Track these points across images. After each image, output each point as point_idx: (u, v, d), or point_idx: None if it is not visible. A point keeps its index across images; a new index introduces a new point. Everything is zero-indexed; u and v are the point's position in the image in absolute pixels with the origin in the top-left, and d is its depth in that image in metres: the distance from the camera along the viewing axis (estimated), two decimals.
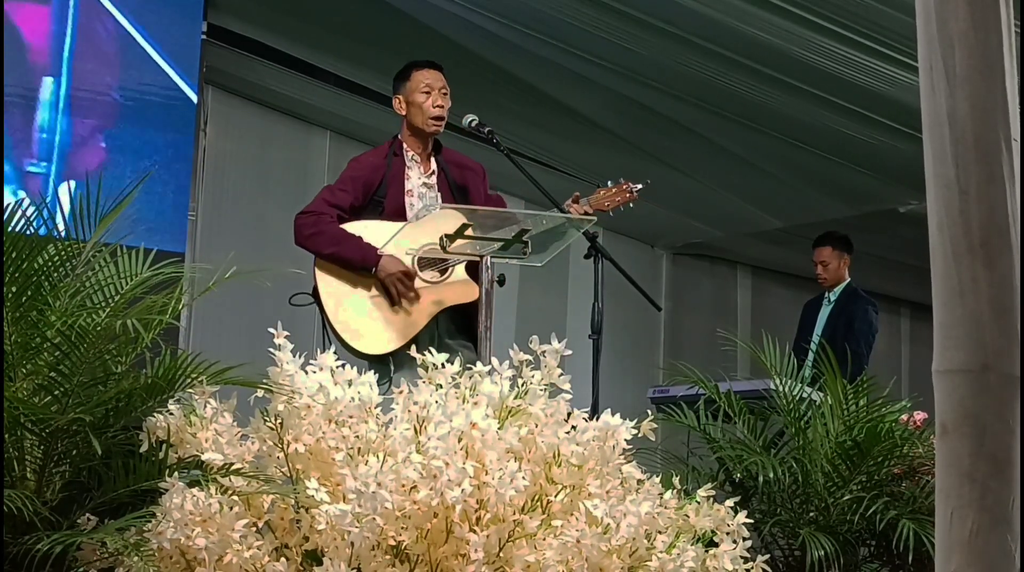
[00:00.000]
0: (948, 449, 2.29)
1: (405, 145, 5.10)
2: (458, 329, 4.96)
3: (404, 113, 5.10)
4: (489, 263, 4.58)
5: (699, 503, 3.77)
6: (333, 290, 4.89)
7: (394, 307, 4.87)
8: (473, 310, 4.67)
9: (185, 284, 3.88)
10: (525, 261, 4.71)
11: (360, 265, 4.86)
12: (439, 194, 5.05)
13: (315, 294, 4.92)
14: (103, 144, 6.89)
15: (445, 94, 5.07)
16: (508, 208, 5.16)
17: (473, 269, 4.77)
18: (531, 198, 6.82)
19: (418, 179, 5.07)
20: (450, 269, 4.90)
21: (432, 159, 5.12)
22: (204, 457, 3.48)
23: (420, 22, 6.89)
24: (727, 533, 3.72)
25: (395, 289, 4.85)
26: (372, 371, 4.42)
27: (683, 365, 5.21)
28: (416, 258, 4.87)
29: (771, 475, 4.62)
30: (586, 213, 5.05)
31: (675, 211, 8.82)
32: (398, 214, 4.96)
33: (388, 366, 4.78)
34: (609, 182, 5.19)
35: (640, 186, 5.19)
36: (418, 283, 4.88)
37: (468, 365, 3.61)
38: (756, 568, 3.74)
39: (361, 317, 4.86)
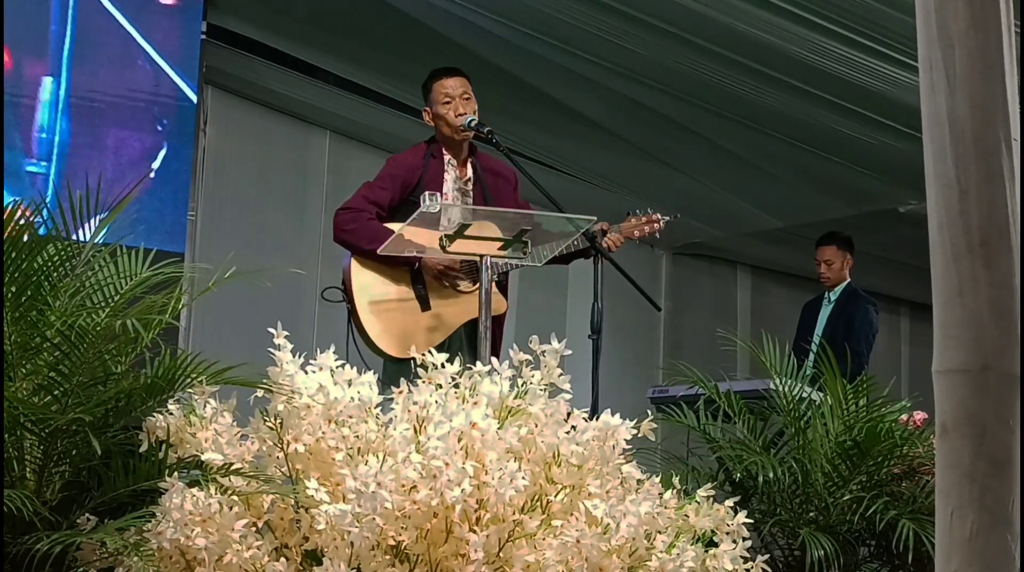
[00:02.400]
0: (948, 449, 2.29)
1: (443, 148, 5.11)
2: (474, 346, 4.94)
3: (433, 124, 5.10)
4: (489, 263, 4.58)
5: (699, 503, 3.77)
6: (366, 289, 4.89)
7: (424, 313, 4.89)
8: (496, 326, 4.67)
9: (185, 284, 3.88)
10: (525, 261, 4.71)
11: (403, 260, 4.84)
12: (472, 200, 5.04)
13: (347, 290, 4.92)
14: (103, 144, 6.89)
15: (467, 99, 5.05)
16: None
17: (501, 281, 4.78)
18: (531, 198, 6.80)
19: (454, 183, 5.08)
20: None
21: (469, 164, 5.12)
22: (204, 457, 3.48)
23: (420, 22, 6.89)
24: (727, 533, 3.73)
25: (439, 279, 4.88)
26: (399, 371, 4.43)
27: (683, 365, 5.21)
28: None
29: (771, 475, 4.62)
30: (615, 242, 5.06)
31: (675, 211, 8.80)
32: None
33: (410, 369, 4.77)
34: (639, 210, 5.19)
35: (668, 218, 5.21)
36: (451, 293, 4.91)
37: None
38: (756, 568, 3.74)
39: (391, 319, 4.87)
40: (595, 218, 4.83)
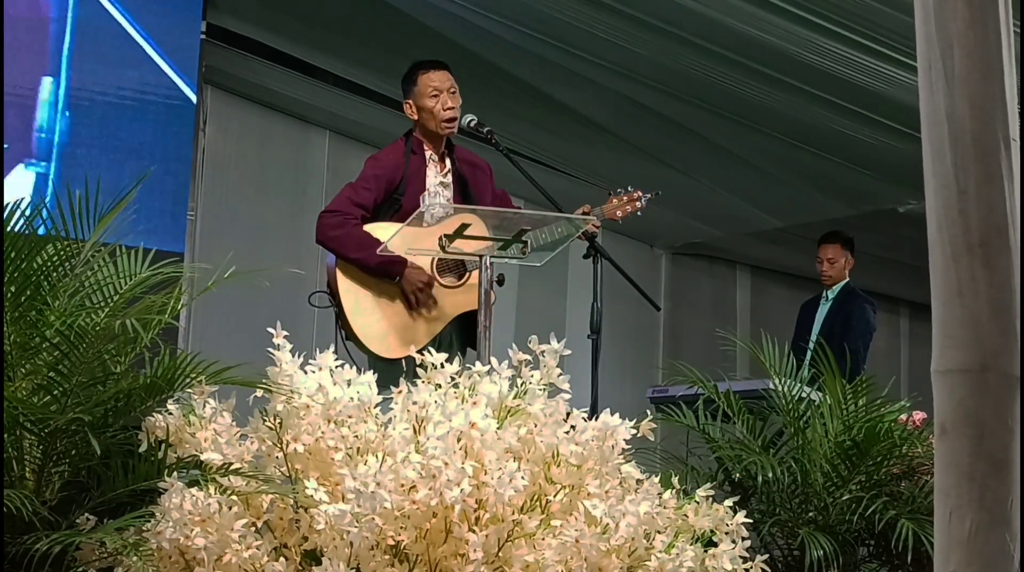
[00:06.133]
0: (947, 449, 2.29)
1: (424, 143, 5.09)
2: (462, 340, 4.95)
3: (416, 118, 5.05)
4: (488, 263, 4.58)
5: (698, 503, 3.77)
6: (354, 292, 4.87)
7: (412, 313, 4.87)
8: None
9: (184, 284, 3.88)
10: (524, 261, 4.71)
11: (384, 274, 4.85)
12: (452, 193, 5.03)
13: (333, 293, 4.91)
14: (102, 143, 6.89)
15: (454, 93, 5.02)
16: (512, 205, 5.16)
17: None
18: (531, 198, 6.80)
19: (435, 178, 5.06)
20: (468, 274, 4.89)
21: (447, 158, 5.11)
22: (203, 457, 3.48)
23: (420, 22, 6.90)
24: (726, 533, 3.73)
25: (414, 298, 4.85)
26: (385, 373, 4.42)
27: (682, 365, 5.21)
28: (435, 262, 4.86)
29: (770, 475, 4.61)
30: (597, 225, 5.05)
31: (675, 211, 8.81)
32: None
33: (401, 370, 4.75)
34: (620, 190, 5.18)
35: (649, 195, 5.19)
36: (436, 288, 4.89)
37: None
38: (755, 568, 3.74)
39: (380, 321, 4.85)
40: (595, 218, 4.83)
